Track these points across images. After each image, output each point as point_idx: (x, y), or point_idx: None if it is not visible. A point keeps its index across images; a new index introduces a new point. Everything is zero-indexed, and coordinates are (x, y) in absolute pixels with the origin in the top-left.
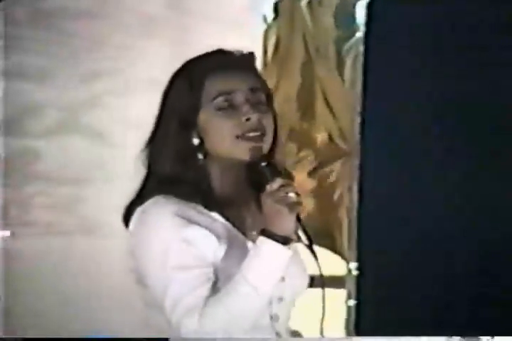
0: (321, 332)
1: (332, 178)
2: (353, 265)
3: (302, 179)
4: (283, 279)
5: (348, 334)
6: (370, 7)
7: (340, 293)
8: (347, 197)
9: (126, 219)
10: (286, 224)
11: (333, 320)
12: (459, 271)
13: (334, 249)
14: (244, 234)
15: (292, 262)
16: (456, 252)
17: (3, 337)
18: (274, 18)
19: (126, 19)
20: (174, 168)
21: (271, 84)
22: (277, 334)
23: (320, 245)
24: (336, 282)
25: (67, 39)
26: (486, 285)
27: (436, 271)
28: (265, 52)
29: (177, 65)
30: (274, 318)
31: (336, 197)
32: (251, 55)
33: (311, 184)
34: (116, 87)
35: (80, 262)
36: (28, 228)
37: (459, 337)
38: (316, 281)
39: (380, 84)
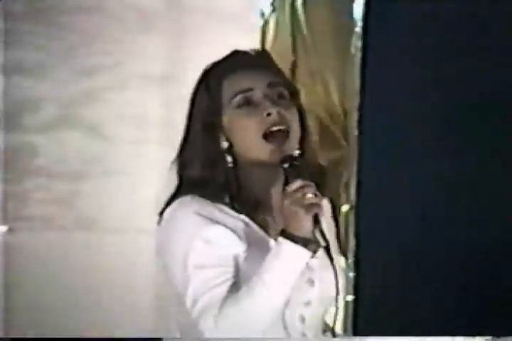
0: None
1: (330, 173)
2: (351, 261)
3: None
4: (312, 283)
5: (346, 330)
6: (367, 3)
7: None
8: (344, 193)
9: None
10: (303, 225)
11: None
12: (458, 269)
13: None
14: (268, 233)
15: (324, 267)
16: (455, 250)
17: (3, 337)
18: (271, 13)
19: (125, 14)
20: (204, 170)
21: None
22: (303, 335)
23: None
24: None
25: (66, 34)
26: (486, 284)
27: (434, 268)
28: (263, 47)
29: (175, 59)
30: (300, 320)
31: (334, 192)
32: (265, 52)
33: None
34: (115, 82)
35: (78, 256)
36: (26, 223)
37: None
38: None
39: (378, 80)
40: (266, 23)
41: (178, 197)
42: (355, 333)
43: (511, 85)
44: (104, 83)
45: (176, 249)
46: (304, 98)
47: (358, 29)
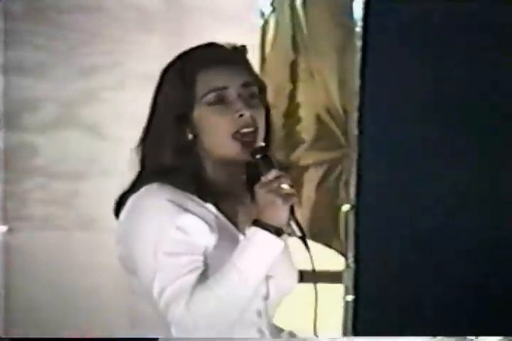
0: (315, 333)
1: (330, 173)
2: (351, 260)
3: (301, 175)
4: (270, 278)
5: (346, 330)
6: (367, 3)
7: (338, 288)
8: (345, 192)
9: (118, 209)
10: (279, 214)
11: (330, 315)
12: (459, 269)
13: (332, 243)
14: (236, 227)
15: (281, 262)
16: (455, 248)
17: (3, 336)
18: (271, 13)
19: (124, 14)
20: (170, 158)
21: (269, 79)
22: (259, 330)
23: (317, 240)
24: (333, 277)
25: (66, 34)
26: (486, 283)
27: (434, 268)
28: (263, 47)
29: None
30: (257, 314)
31: (334, 192)
32: (243, 48)
33: (309, 180)
34: (114, 82)
35: (77, 256)
36: (25, 222)
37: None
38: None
39: (378, 80)
40: (266, 22)
41: (142, 185)
42: (355, 333)
43: (511, 85)
44: (103, 83)
45: (146, 237)
46: (304, 98)
47: (358, 29)
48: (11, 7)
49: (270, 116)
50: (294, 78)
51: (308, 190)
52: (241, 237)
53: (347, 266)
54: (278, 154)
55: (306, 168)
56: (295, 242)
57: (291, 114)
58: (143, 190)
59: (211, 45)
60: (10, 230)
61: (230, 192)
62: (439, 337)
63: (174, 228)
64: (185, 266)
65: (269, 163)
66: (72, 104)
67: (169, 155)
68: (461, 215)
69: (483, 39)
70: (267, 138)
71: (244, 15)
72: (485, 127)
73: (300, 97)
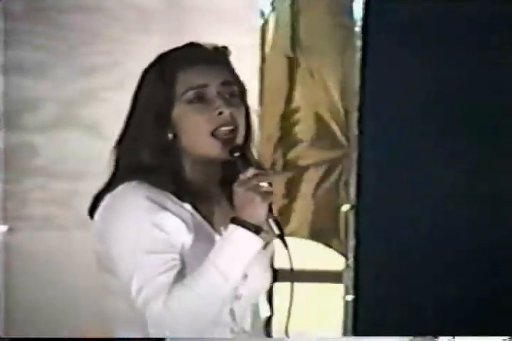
0: (286, 332)
1: (330, 173)
2: (351, 260)
3: (301, 175)
4: (246, 277)
5: (346, 330)
6: (367, 2)
7: (338, 288)
8: (345, 192)
9: (93, 208)
10: (258, 212)
11: (330, 315)
12: (458, 269)
13: (332, 243)
14: (212, 227)
15: (257, 262)
16: (455, 248)
17: (3, 336)
18: (271, 13)
19: (124, 14)
20: (148, 157)
21: (269, 79)
22: (232, 330)
23: (318, 240)
24: (333, 277)
25: (65, 34)
26: (486, 283)
27: (434, 268)
28: (263, 46)
29: None
30: (230, 314)
31: (334, 192)
32: (224, 49)
33: (309, 180)
34: (115, 81)
35: (77, 256)
36: (25, 222)
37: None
38: (311, 276)
39: (378, 80)
40: (266, 22)
41: (119, 183)
42: (355, 333)
43: (511, 85)
44: (103, 83)
45: (124, 235)
46: (303, 98)
47: (358, 29)
48: (11, 7)
49: (250, 116)
50: (293, 78)
51: (308, 190)
52: (217, 237)
53: (347, 266)
54: (278, 154)
55: (306, 168)
56: (295, 242)
57: (291, 113)
58: (120, 188)
59: (191, 45)
60: (10, 230)
61: (207, 192)
62: (439, 338)
63: (152, 226)
64: (163, 265)
65: (246, 161)
66: (72, 104)
67: (148, 154)
68: (461, 215)
69: (483, 39)
70: (246, 138)
71: (244, 15)
72: (485, 127)
73: (300, 97)
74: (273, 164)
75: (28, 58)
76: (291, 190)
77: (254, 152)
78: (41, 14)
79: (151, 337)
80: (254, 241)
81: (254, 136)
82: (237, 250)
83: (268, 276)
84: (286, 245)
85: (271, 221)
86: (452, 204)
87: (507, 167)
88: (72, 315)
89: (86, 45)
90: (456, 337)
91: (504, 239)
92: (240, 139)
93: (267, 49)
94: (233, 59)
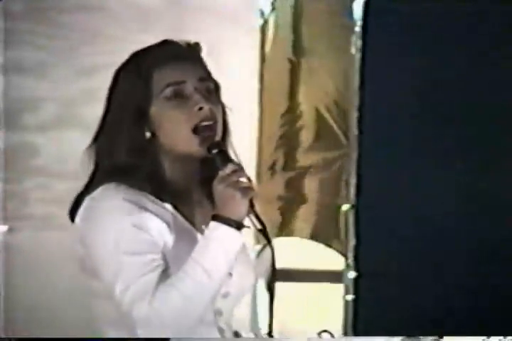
0: (270, 333)
1: (330, 173)
2: (351, 260)
3: (301, 175)
4: (230, 275)
5: (346, 330)
6: (367, 3)
7: (338, 288)
8: (345, 192)
9: (73, 210)
10: (239, 208)
11: (330, 315)
12: (459, 269)
13: (332, 243)
14: (194, 226)
15: (240, 261)
16: (455, 248)
17: (3, 337)
18: (271, 13)
19: (125, 13)
20: (127, 158)
21: (269, 79)
22: (220, 329)
23: (318, 240)
24: (333, 277)
25: (66, 33)
26: (486, 283)
27: (434, 268)
28: (263, 46)
29: None
30: (217, 313)
31: (334, 191)
32: (197, 45)
33: (309, 180)
34: None
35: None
36: (26, 222)
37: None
38: (311, 276)
39: (378, 80)
40: (266, 22)
41: (98, 185)
42: (355, 333)
43: (511, 85)
44: (104, 82)
45: (105, 237)
46: (303, 97)
47: (358, 29)
48: (11, 7)
49: (226, 113)
50: (293, 78)
51: (309, 190)
52: (199, 236)
53: (347, 266)
54: (278, 154)
55: (306, 168)
56: (295, 242)
57: (291, 113)
58: (99, 190)
59: (165, 43)
60: (10, 230)
61: (188, 191)
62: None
63: (131, 226)
64: (146, 265)
65: (225, 157)
66: (72, 103)
67: (125, 155)
68: (461, 215)
69: (483, 39)
70: (223, 134)
71: (244, 15)
72: (485, 126)
73: (300, 97)
74: (273, 164)
75: (28, 58)
76: (292, 190)
77: (253, 151)
78: (41, 14)
79: (139, 337)
80: (237, 237)
81: (231, 133)
82: (220, 247)
83: (252, 275)
84: (268, 240)
85: (252, 216)
86: (452, 203)
87: (507, 166)
88: (72, 315)
89: (86, 44)
90: (456, 337)
91: (504, 238)
92: (217, 136)
93: (267, 49)
94: (233, 59)
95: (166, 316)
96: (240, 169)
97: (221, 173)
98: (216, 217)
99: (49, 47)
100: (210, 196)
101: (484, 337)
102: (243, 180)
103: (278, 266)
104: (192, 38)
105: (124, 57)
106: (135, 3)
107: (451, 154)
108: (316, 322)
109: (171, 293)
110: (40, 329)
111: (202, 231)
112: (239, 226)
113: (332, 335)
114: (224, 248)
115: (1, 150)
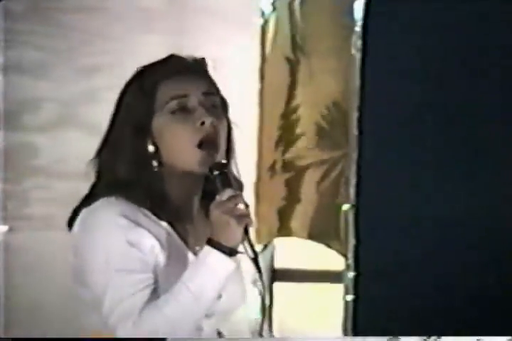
0: (260, 332)
1: (330, 173)
2: (351, 260)
3: (301, 175)
4: (220, 297)
5: (346, 330)
6: (367, 3)
7: (338, 288)
8: (345, 192)
9: (71, 221)
10: (233, 235)
11: (330, 315)
12: (458, 269)
13: (332, 243)
14: (187, 245)
15: (232, 280)
16: (455, 248)
17: (3, 337)
18: (272, 13)
19: (125, 13)
20: (128, 172)
21: (269, 79)
22: None
23: (318, 240)
24: (333, 277)
25: (66, 33)
26: (486, 283)
27: (434, 268)
28: (263, 46)
29: None
30: (198, 329)
31: (334, 192)
32: (202, 61)
33: (309, 180)
34: (115, 81)
35: None
36: (26, 222)
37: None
38: (311, 276)
39: (378, 80)
40: (266, 22)
41: (97, 198)
42: (355, 333)
43: (511, 85)
44: (104, 83)
45: (97, 252)
46: (303, 98)
47: (358, 29)
48: (11, 7)
49: (232, 134)
50: (293, 78)
51: (308, 190)
52: (191, 256)
53: (347, 266)
54: (278, 154)
55: (306, 167)
56: (295, 242)
57: (291, 113)
58: (98, 203)
59: (171, 57)
60: (10, 230)
61: (186, 208)
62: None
63: (126, 244)
64: (136, 285)
65: (225, 181)
66: (72, 104)
67: (127, 169)
68: (461, 215)
69: (483, 39)
70: (227, 156)
71: (245, 15)
72: (485, 127)
73: (300, 97)
74: (273, 164)
75: (28, 58)
76: (291, 190)
77: (253, 151)
78: (41, 14)
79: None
80: (228, 264)
81: (235, 151)
82: (211, 272)
83: (243, 294)
84: (259, 269)
85: (246, 243)
86: (452, 204)
87: (507, 168)
88: (72, 315)
89: (87, 44)
90: (456, 337)
91: (505, 238)
92: (221, 156)
93: (267, 49)
94: (233, 59)
95: (148, 335)
96: (238, 195)
97: (218, 198)
98: (210, 242)
99: (49, 47)
100: (207, 213)
101: (484, 337)
102: (240, 206)
103: (278, 266)
104: (191, 38)
105: (124, 57)
106: (135, 3)
107: (451, 154)
108: (316, 322)
109: (155, 316)
110: (40, 329)
111: (195, 251)
112: (231, 252)
113: None
114: (214, 273)
115: (1, 150)
